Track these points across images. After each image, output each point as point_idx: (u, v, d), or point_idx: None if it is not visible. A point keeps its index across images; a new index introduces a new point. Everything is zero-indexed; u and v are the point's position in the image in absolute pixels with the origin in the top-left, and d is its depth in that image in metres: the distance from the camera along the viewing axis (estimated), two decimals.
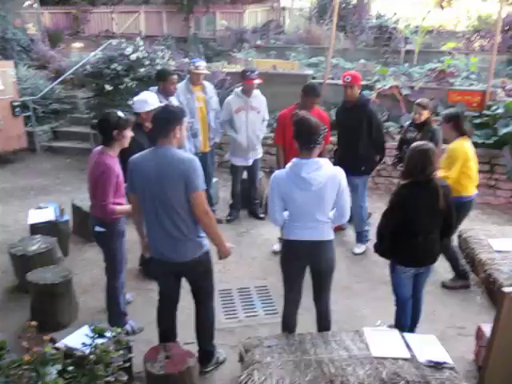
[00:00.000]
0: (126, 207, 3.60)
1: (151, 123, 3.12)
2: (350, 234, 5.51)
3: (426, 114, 4.94)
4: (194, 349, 3.44)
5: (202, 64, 5.49)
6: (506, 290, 2.07)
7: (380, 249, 3.57)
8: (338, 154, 5.26)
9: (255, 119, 5.65)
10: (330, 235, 3.29)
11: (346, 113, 5.06)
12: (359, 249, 5.24)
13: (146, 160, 3.05)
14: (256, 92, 5.63)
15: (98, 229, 3.66)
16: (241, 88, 5.62)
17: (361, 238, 5.27)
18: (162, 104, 4.57)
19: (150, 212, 3.11)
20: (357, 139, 4.91)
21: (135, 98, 4.46)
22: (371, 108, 5.10)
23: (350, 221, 4.73)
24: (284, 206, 3.24)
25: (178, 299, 3.45)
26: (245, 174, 6.08)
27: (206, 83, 5.69)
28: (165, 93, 5.03)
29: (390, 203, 3.40)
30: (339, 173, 3.19)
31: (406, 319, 3.66)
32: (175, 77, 5.17)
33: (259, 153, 5.90)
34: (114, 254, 3.74)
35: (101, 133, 3.60)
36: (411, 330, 3.71)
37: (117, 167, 3.52)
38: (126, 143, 3.64)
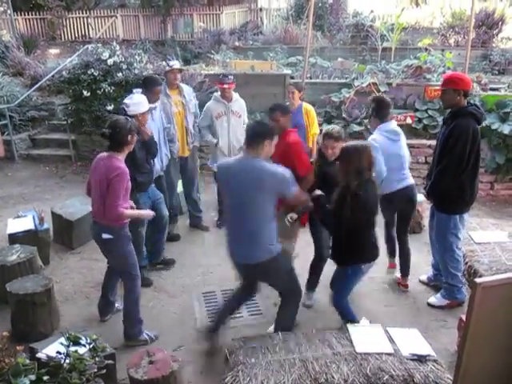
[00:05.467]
0: (135, 212, 3.74)
1: (245, 132, 3.37)
2: None
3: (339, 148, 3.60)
4: (181, 355, 3.41)
5: (176, 63, 5.38)
6: (478, 280, 2.11)
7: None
8: None
9: (237, 124, 5.50)
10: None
11: None
12: None
13: (237, 168, 3.27)
14: (236, 96, 5.52)
15: (105, 236, 3.62)
16: (219, 92, 5.51)
17: None
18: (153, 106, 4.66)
19: (233, 217, 3.37)
20: None
21: (128, 101, 4.28)
22: None
23: None
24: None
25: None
26: None
27: (184, 86, 5.55)
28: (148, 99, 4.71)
29: (353, 206, 3.21)
30: None
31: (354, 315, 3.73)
32: (160, 88, 4.97)
33: None
34: (126, 258, 3.71)
35: (114, 139, 3.59)
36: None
37: (127, 171, 3.56)
38: (132, 147, 3.72)
